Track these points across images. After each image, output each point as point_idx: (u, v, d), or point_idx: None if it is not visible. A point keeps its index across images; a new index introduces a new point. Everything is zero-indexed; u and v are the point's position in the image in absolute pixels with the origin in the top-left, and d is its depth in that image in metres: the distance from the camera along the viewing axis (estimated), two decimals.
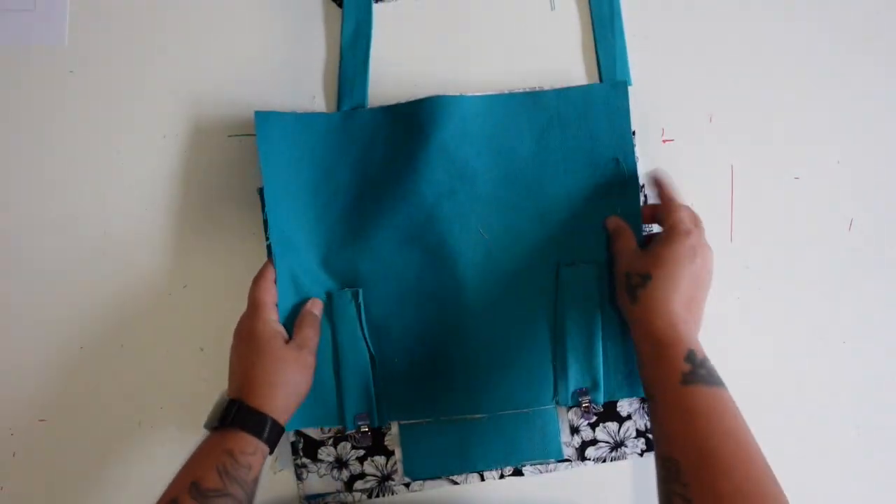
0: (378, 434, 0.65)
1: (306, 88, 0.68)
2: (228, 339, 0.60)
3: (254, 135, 0.67)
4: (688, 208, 0.61)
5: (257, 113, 0.63)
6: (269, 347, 0.58)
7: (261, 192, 0.65)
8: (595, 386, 0.63)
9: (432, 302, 0.64)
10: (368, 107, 0.67)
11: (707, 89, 0.69)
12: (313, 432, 0.65)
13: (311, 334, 0.61)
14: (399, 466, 0.65)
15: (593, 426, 0.65)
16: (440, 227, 0.64)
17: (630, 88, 0.68)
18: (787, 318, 0.68)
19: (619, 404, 0.66)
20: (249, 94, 0.68)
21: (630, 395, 0.65)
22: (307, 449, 0.65)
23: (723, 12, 0.69)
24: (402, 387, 0.64)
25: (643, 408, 0.66)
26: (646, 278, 0.57)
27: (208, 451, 0.54)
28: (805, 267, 0.68)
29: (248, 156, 0.67)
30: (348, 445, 0.65)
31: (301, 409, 0.60)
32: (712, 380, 0.52)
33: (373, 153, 0.65)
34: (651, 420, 0.54)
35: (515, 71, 0.69)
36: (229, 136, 0.68)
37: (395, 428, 0.65)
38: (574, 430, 0.65)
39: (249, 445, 0.54)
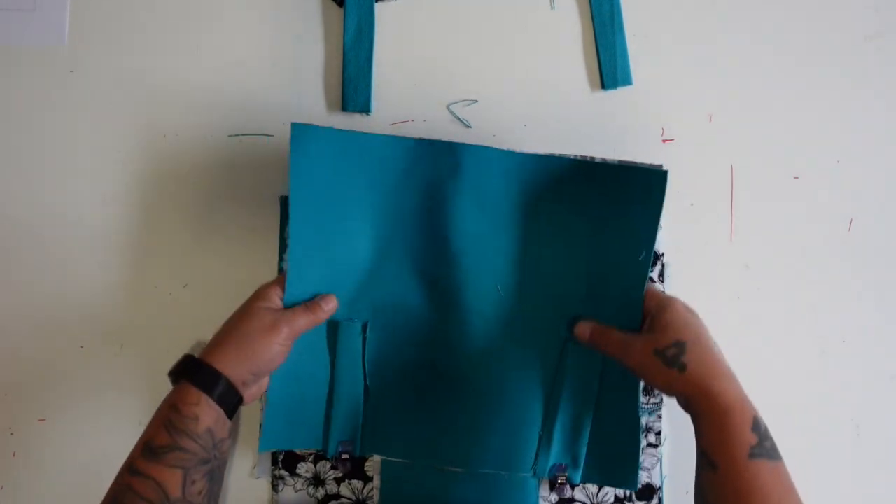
0: (359, 458, 0.65)
1: (307, 88, 0.68)
2: None
3: (253, 134, 0.68)
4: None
5: (294, 125, 0.58)
6: (249, 304, 0.57)
7: (283, 200, 0.64)
8: (575, 464, 0.63)
9: (436, 347, 0.63)
10: (373, 111, 0.67)
11: (707, 89, 0.69)
12: None
13: (299, 311, 0.58)
14: (375, 494, 0.65)
15: (573, 485, 0.65)
16: (460, 275, 0.62)
17: (630, 88, 0.68)
18: (786, 317, 0.68)
19: None
20: (249, 94, 0.68)
21: (606, 484, 0.65)
22: (287, 462, 0.65)
23: (723, 12, 0.69)
24: (389, 423, 0.64)
25: None
26: (682, 345, 0.54)
27: (158, 412, 0.54)
28: (805, 267, 0.68)
29: (247, 156, 0.67)
30: (328, 465, 0.65)
31: (285, 428, 0.60)
32: (776, 454, 0.52)
33: (408, 185, 0.62)
34: (706, 486, 0.52)
35: (516, 70, 0.69)
36: (229, 136, 0.68)
37: (377, 456, 0.65)
38: (553, 486, 0.65)
39: (191, 396, 0.53)
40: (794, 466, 0.66)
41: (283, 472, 0.65)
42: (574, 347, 0.62)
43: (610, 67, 0.68)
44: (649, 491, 0.65)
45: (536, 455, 0.63)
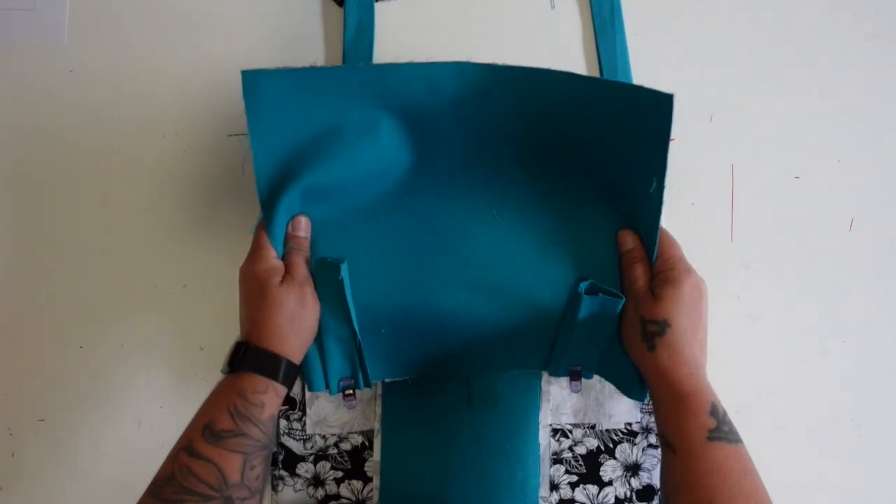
0: (359, 459, 0.65)
1: None
2: (229, 339, 0.60)
3: None
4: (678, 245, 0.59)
5: (245, 72, 0.55)
6: (268, 288, 0.56)
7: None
8: (588, 367, 0.61)
9: (431, 274, 0.60)
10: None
11: (707, 89, 0.69)
12: (295, 446, 0.65)
13: (297, 261, 0.58)
14: (375, 494, 0.64)
15: (573, 486, 0.65)
16: (451, 205, 0.61)
17: None
18: (787, 317, 0.68)
19: (602, 469, 0.65)
20: None
21: (616, 386, 0.63)
22: (287, 462, 0.65)
23: (723, 12, 0.69)
24: (388, 350, 0.61)
25: (626, 476, 0.66)
26: (664, 325, 0.55)
27: (219, 395, 0.54)
28: (805, 267, 0.68)
29: (247, 156, 0.67)
30: (328, 465, 0.65)
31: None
32: (734, 437, 0.52)
33: (382, 113, 0.58)
34: (668, 469, 0.53)
35: None
36: (229, 135, 0.68)
37: (376, 455, 0.65)
38: (554, 487, 0.65)
39: (260, 385, 0.54)
40: (794, 466, 0.67)
41: (282, 473, 0.65)
42: (589, 299, 0.58)
43: (610, 67, 0.68)
44: (649, 492, 0.65)
45: (550, 355, 0.61)
